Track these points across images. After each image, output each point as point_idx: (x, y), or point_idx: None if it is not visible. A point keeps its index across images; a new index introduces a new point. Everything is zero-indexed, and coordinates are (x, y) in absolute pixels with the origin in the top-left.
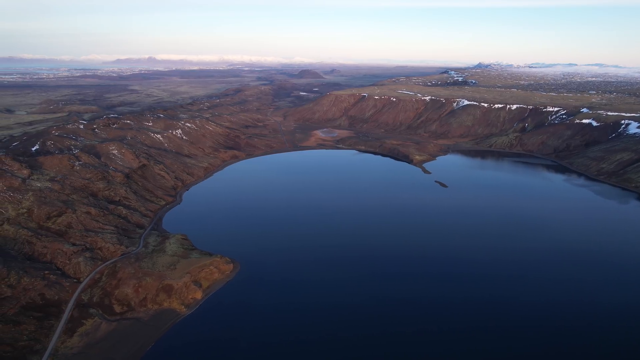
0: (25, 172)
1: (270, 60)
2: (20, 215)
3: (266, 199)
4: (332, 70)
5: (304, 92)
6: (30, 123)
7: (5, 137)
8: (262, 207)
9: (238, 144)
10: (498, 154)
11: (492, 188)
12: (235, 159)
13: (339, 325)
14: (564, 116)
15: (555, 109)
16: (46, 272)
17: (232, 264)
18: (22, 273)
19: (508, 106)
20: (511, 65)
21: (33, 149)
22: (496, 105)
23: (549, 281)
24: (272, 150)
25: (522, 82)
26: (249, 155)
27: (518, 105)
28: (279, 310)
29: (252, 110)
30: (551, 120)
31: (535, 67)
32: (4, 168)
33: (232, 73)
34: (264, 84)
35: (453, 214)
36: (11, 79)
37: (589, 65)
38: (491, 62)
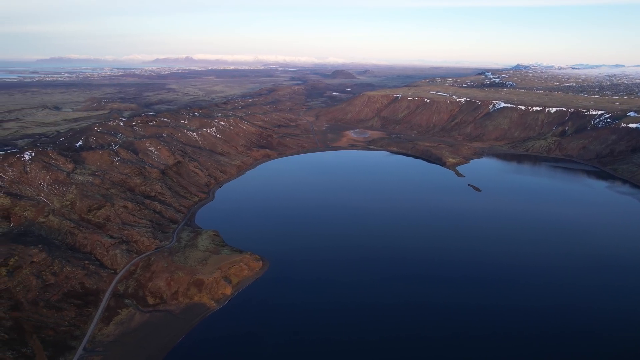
0: (69, 166)
1: (303, 61)
2: (64, 207)
3: (297, 198)
4: (366, 71)
5: (336, 92)
6: (76, 120)
7: (53, 133)
8: (293, 206)
9: (270, 143)
10: (535, 159)
11: (528, 193)
12: (267, 157)
13: (366, 327)
14: (608, 120)
15: (599, 112)
16: (86, 262)
17: (261, 262)
18: (65, 262)
19: (547, 109)
20: (552, 67)
21: (77, 144)
22: (534, 108)
23: (587, 289)
24: (303, 149)
25: (563, 84)
26: (281, 155)
27: (558, 108)
28: (307, 309)
29: (285, 110)
30: (594, 124)
31: (578, 69)
32: (51, 162)
33: (266, 73)
34: (297, 84)
35: (486, 218)
36: (60, 78)
37: (637, 66)
38: (530, 63)
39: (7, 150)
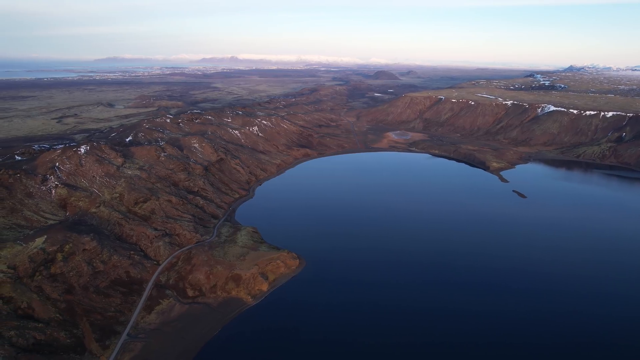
0: (119, 160)
1: (346, 61)
2: (113, 199)
3: (335, 198)
4: (409, 72)
5: (378, 93)
6: (126, 116)
7: (106, 128)
8: (331, 205)
9: (310, 143)
10: (587, 165)
11: (578, 202)
12: (307, 157)
13: (399, 331)
14: None
15: None
16: (132, 252)
17: (298, 260)
18: (113, 251)
19: (602, 113)
20: (609, 68)
21: (127, 139)
22: (588, 112)
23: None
24: (343, 150)
25: (621, 87)
26: (321, 154)
27: (614, 113)
28: (341, 310)
29: (326, 110)
30: None
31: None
32: (103, 156)
33: (308, 73)
34: (339, 84)
35: (531, 226)
36: (114, 77)
37: None
38: (585, 64)
39: (66, 144)
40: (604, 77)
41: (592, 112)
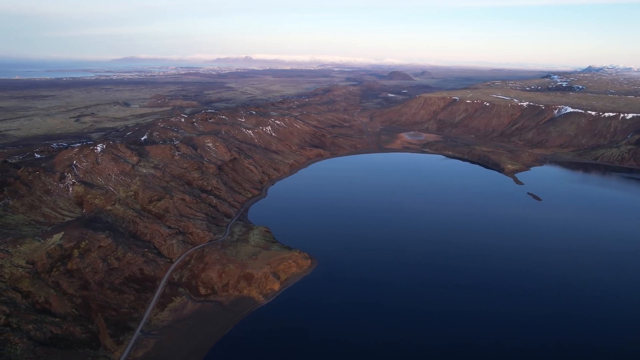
0: (135, 159)
1: (360, 61)
2: (128, 197)
3: (348, 198)
4: (423, 72)
5: (392, 93)
6: (142, 115)
7: (122, 127)
8: (343, 206)
9: (323, 143)
10: (605, 168)
11: (595, 205)
12: (320, 157)
13: (407, 333)
14: None
15: None
16: (145, 250)
17: (309, 260)
18: (127, 249)
19: (622, 115)
20: (630, 69)
21: (142, 138)
22: (606, 114)
23: None
24: (356, 150)
25: None
26: (334, 155)
27: (635, 115)
28: (352, 310)
29: (340, 110)
30: None
31: None
32: (119, 155)
33: (322, 73)
34: (353, 85)
35: (546, 228)
36: (130, 76)
37: None
38: (604, 65)
39: (83, 142)
40: (624, 78)
41: (611, 114)
